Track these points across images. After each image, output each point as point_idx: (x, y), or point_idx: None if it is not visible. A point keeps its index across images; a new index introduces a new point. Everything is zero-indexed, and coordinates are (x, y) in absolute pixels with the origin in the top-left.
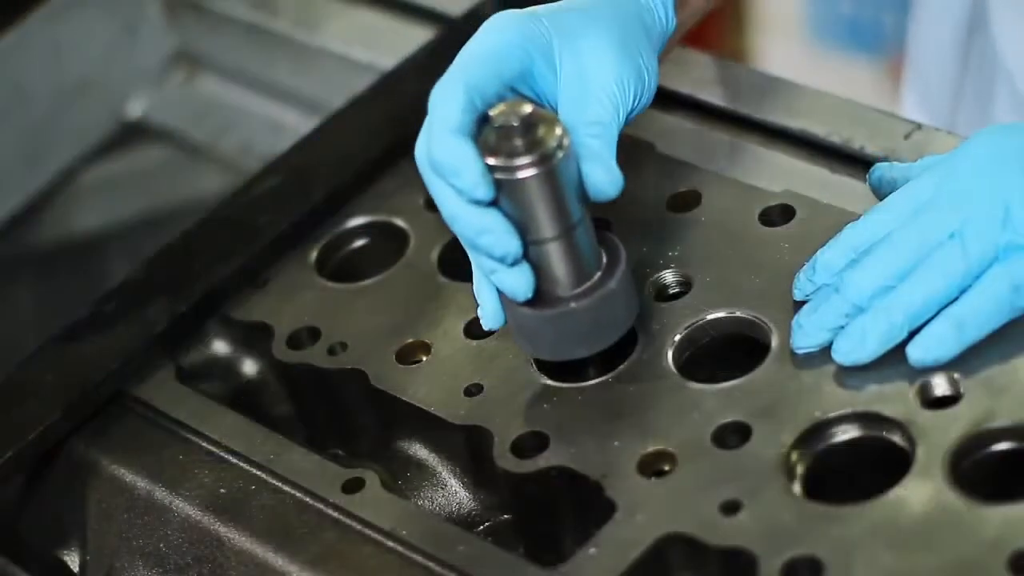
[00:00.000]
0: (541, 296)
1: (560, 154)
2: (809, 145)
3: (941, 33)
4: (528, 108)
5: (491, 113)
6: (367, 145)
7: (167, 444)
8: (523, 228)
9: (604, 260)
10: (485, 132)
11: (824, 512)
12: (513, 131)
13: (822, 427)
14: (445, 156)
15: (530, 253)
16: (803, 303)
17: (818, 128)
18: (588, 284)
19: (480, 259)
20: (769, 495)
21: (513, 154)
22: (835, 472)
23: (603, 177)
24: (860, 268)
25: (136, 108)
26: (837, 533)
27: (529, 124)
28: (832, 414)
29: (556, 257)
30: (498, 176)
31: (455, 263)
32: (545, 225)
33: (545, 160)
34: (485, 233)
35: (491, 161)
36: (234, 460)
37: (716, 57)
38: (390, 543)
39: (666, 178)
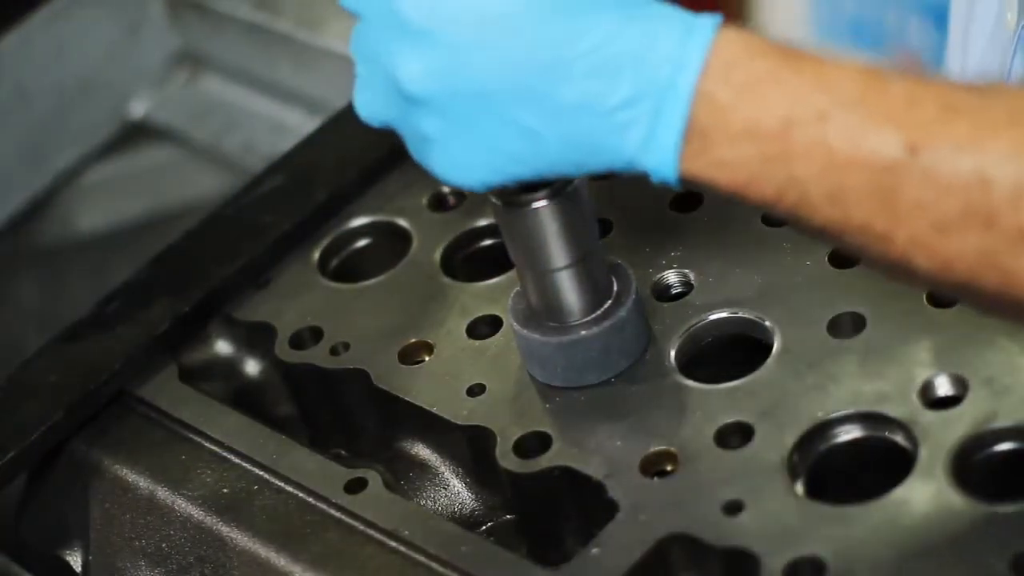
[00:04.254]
0: (552, 323)
1: (572, 184)
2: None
3: None
4: None
5: None
6: (370, 145)
7: (169, 444)
8: (535, 257)
9: (615, 288)
10: None
11: (826, 512)
12: None
13: (824, 427)
14: None
15: (542, 281)
16: None
17: None
18: (599, 312)
19: None
20: (771, 495)
21: (526, 185)
22: (837, 472)
23: None
24: None
25: (139, 108)
26: (839, 533)
27: None
28: (834, 414)
29: (567, 285)
30: (511, 207)
31: (458, 263)
32: (557, 255)
33: (557, 191)
34: None
35: (503, 191)
36: (236, 460)
37: None
38: (392, 543)
39: None
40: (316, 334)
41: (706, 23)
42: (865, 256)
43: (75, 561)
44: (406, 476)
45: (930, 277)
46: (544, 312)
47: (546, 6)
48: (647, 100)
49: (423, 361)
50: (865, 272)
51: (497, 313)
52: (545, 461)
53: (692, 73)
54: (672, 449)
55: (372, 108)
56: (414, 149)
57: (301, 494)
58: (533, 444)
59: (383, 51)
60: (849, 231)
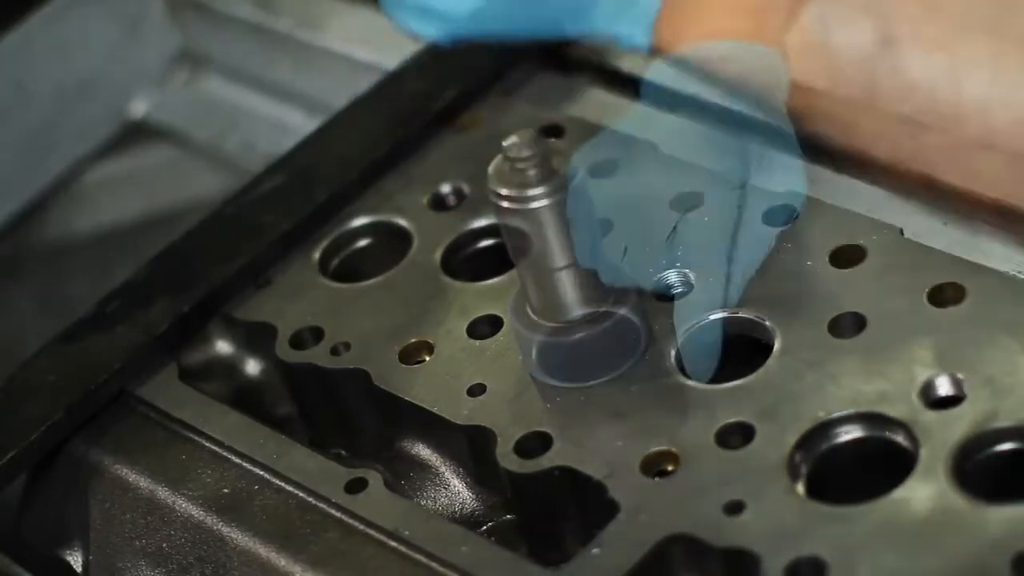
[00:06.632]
0: (552, 323)
1: (573, 184)
2: (811, 145)
3: None
4: (541, 139)
5: (504, 144)
6: (370, 145)
7: (170, 444)
8: (537, 256)
9: (615, 288)
10: (498, 163)
11: (827, 512)
12: (526, 162)
13: (825, 427)
14: None
15: (542, 280)
16: None
17: None
18: (599, 312)
19: None
20: (772, 495)
21: (526, 185)
22: (838, 472)
23: None
24: None
25: (139, 108)
26: (840, 533)
27: (542, 155)
28: (835, 414)
29: (569, 284)
30: (512, 206)
31: (458, 263)
32: (558, 253)
33: (558, 190)
34: None
35: (504, 191)
36: (237, 460)
37: None
38: (393, 543)
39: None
40: (316, 334)
41: None
42: (827, 145)
43: (75, 561)
44: (406, 476)
45: (890, 167)
46: (544, 312)
47: None
48: None
49: (423, 361)
50: (865, 272)
51: (497, 313)
52: (545, 461)
53: None
54: (673, 449)
55: None
56: None
57: (301, 494)
58: (533, 444)
59: None
60: (813, 119)
